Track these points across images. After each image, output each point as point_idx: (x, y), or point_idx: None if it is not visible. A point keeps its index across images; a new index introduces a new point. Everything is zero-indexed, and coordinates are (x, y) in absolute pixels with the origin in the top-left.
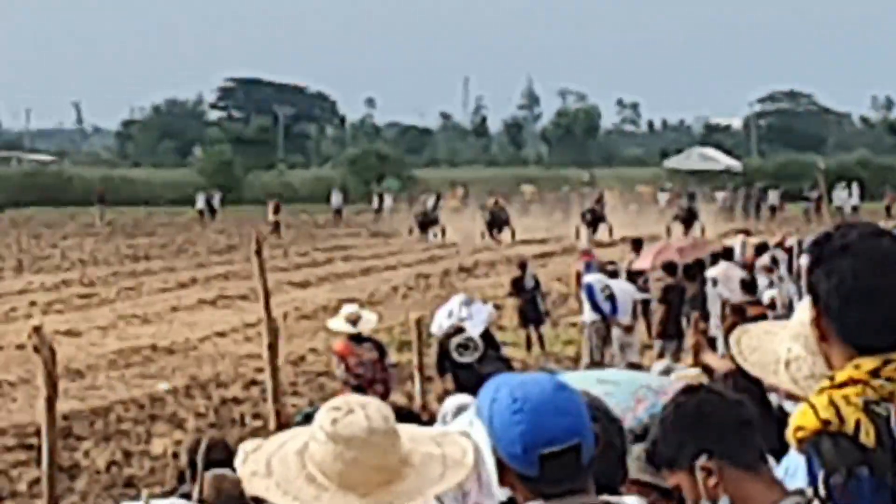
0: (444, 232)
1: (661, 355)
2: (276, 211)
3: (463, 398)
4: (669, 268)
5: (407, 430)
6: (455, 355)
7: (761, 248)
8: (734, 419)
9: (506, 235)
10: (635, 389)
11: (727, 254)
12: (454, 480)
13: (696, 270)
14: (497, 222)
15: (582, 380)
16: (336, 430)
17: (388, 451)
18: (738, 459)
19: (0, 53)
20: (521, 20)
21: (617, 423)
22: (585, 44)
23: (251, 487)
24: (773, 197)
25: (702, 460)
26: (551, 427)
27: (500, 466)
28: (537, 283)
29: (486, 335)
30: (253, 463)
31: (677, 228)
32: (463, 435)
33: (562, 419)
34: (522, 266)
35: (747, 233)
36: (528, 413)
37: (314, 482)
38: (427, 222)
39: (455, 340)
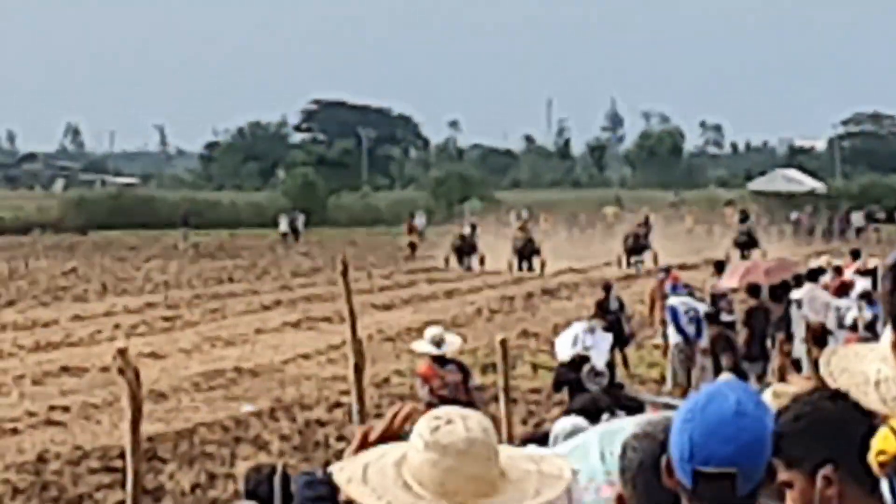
0: (482, 260)
1: (745, 377)
2: (411, 231)
3: (576, 420)
4: (753, 290)
5: (504, 447)
6: (587, 383)
7: (839, 271)
8: (865, 435)
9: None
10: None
11: (812, 275)
12: (550, 496)
13: (781, 292)
14: (527, 251)
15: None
16: (435, 439)
17: (486, 463)
18: (861, 477)
19: (85, 77)
20: (604, 42)
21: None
22: (669, 65)
23: (347, 491)
24: (857, 219)
25: (827, 469)
26: (711, 448)
27: (668, 466)
28: (622, 305)
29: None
30: (349, 470)
31: (736, 254)
32: (560, 456)
33: (724, 446)
34: (607, 288)
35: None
36: (696, 426)
37: (410, 490)
38: (464, 250)
39: (587, 368)
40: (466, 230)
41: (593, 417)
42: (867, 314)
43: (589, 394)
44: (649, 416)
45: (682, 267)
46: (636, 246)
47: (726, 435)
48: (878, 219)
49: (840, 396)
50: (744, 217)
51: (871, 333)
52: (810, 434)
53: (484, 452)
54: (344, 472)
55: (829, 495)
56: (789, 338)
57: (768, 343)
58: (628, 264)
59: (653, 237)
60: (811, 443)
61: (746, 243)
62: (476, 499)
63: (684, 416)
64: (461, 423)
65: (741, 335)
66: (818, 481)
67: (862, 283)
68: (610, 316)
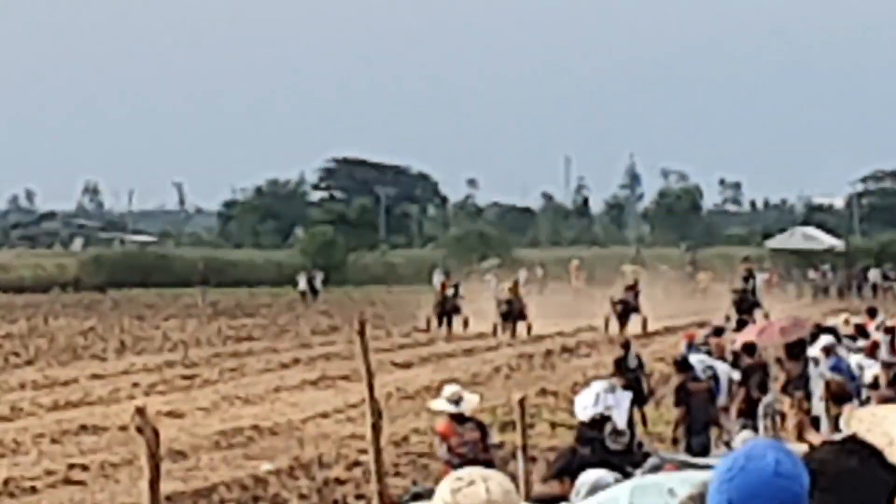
0: (466, 323)
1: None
2: (444, 288)
3: (599, 474)
4: (748, 348)
5: None
6: (609, 442)
7: (861, 329)
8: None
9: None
10: None
11: (830, 333)
12: None
13: (798, 350)
14: (513, 313)
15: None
16: (456, 501)
17: None
18: None
19: (103, 135)
20: (621, 100)
21: None
22: (687, 123)
23: None
24: (874, 276)
25: None
26: None
27: None
28: (640, 363)
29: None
30: None
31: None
32: None
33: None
34: (626, 346)
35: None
36: (735, 486)
37: None
38: (445, 311)
39: (609, 427)
40: (449, 291)
41: (573, 475)
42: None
43: (575, 453)
44: (695, 474)
45: (701, 326)
46: (625, 310)
47: (766, 496)
48: (893, 277)
49: (862, 451)
50: (748, 276)
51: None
52: (832, 488)
53: None
54: None
55: None
56: (808, 396)
57: (786, 401)
58: (619, 327)
59: (643, 301)
60: (829, 497)
61: (748, 304)
62: None
63: (723, 475)
64: (482, 484)
65: (738, 394)
66: None
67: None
68: (629, 374)
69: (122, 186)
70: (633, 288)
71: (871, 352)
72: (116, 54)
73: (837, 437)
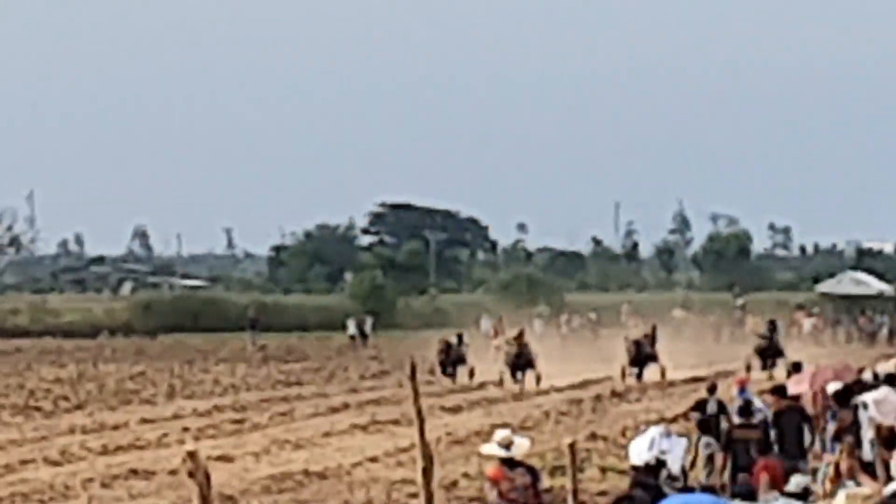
0: (472, 373)
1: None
2: (496, 335)
3: None
4: (778, 390)
5: None
6: (665, 488)
7: None
8: None
9: (530, 378)
10: None
11: (889, 379)
12: None
13: (848, 396)
14: (519, 364)
15: None
16: None
17: None
18: None
19: (152, 179)
20: (671, 144)
21: None
22: (736, 167)
23: None
24: None
25: None
26: None
27: None
28: (722, 408)
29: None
30: None
31: (757, 363)
32: None
33: None
34: (711, 389)
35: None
36: None
37: None
38: (449, 361)
39: (664, 473)
40: (453, 339)
41: None
42: None
43: (636, 498)
44: None
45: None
46: (638, 357)
47: None
48: None
49: None
50: (772, 326)
51: None
52: None
53: None
54: None
55: None
56: (858, 442)
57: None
58: (633, 375)
59: (659, 348)
60: None
61: (770, 352)
62: None
63: None
64: None
65: (772, 435)
66: None
67: None
68: (706, 417)
69: (171, 231)
70: (651, 335)
71: None
72: (166, 99)
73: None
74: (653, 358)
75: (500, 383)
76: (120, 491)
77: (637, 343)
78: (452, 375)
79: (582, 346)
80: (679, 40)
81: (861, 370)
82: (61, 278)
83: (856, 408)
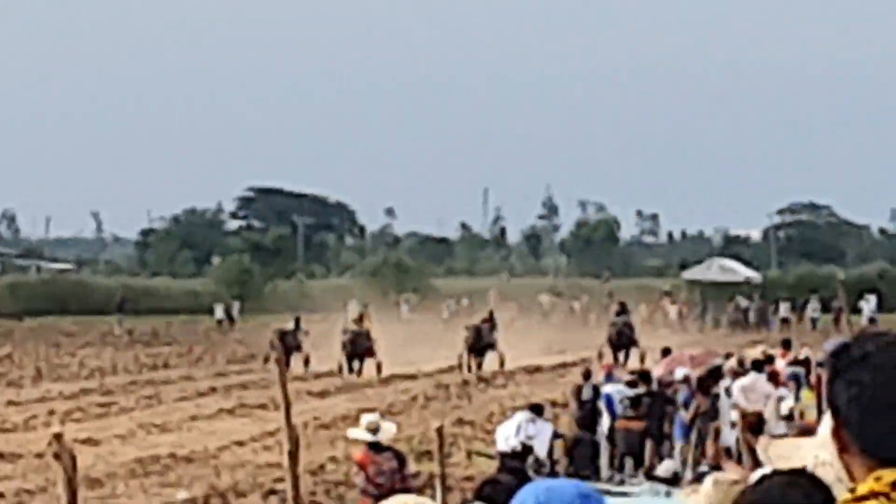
0: (307, 361)
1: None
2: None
3: None
4: (644, 376)
5: None
6: (531, 473)
7: (770, 361)
8: None
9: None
10: None
11: (757, 365)
12: None
13: (709, 383)
14: (358, 351)
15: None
16: None
17: None
18: None
19: (20, 162)
20: (540, 131)
21: None
22: (605, 155)
23: None
24: (784, 309)
25: None
26: None
27: None
28: (598, 393)
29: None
30: None
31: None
32: None
33: None
34: (586, 375)
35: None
36: None
37: None
38: (285, 350)
39: (531, 458)
40: (289, 325)
41: None
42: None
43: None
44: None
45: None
46: (477, 344)
47: None
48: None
49: (801, 481)
50: (621, 310)
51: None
52: None
53: None
54: None
55: None
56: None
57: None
58: (469, 367)
59: (498, 336)
60: None
61: (622, 341)
62: None
63: None
64: None
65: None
66: None
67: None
68: (586, 404)
69: (40, 214)
70: (489, 320)
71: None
72: (30, 82)
73: (766, 469)
74: (492, 346)
75: (339, 372)
76: None
77: (477, 329)
78: (286, 364)
79: (453, 333)
80: (550, 31)
81: (728, 356)
82: None
83: (715, 395)
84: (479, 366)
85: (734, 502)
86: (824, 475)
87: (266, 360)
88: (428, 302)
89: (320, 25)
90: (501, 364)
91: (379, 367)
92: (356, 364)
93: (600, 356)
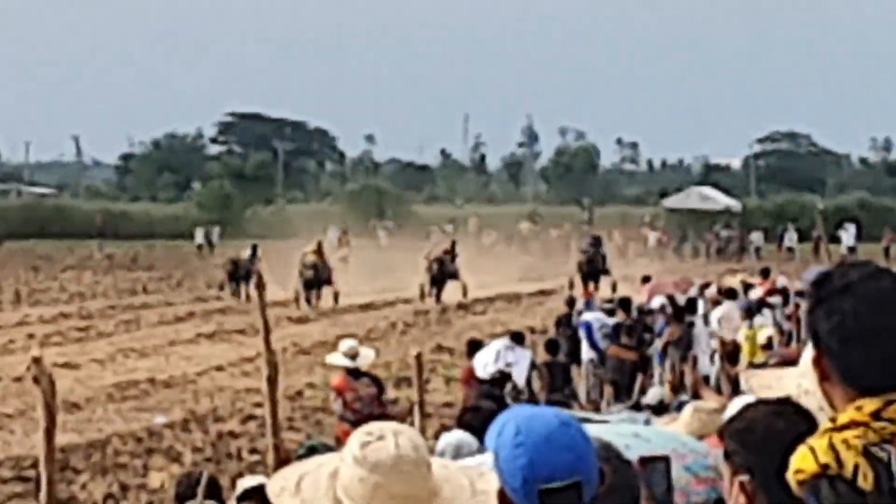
0: (261, 287)
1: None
2: (340, 245)
3: (461, 436)
4: (623, 304)
5: (439, 462)
6: (509, 400)
7: (748, 288)
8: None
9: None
10: (673, 447)
11: (730, 293)
12: None
13: (683, 312)
14: (316, 281)
15: (618, 434)
16: (364, 455)
17: (415, 481)
18: (778, 495)
19: (1, 88)
20: (521, 58)
21: (630, 464)
22: (585, 83)
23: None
24: (757, 238)
25: (744, 477)
26: (552, 462)
27: (503, 498)
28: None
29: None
30: (283, 479)
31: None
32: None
33: (563, 455)
34: (570, 303)
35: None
36: (529, 447)
37: None
38: (239, 277)
39: (509, 385)
40: (245, 253)
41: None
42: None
43: (482, 409)
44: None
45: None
46: (439, 275)
47: (562, 445)
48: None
49: (786, 410)
50: (594, 242)
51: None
52: (739, 440)
53: (412, 470)
54: (277, 483)
55: (741, 502)
56: (690, 357)
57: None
58: (431, 295)
59: (460, 265)
60: (738, 448)
61: (593, 271)
62: None
63: (512, 441)
64: (392, 439)
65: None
66: (734, 485)
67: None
68: (569, 331)
69: (19, 138)
70: (451, 251)
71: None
72: (9, 6)
73: (748, 398)
74: (454, 275)
75: (296, 301)
76: None
77: (439, 261)
78: (239, 294)
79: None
80: None
81: (706, 285)
82: None
83: (690, 324)
84: (439, 297)
85: (719, 431)
86: (808, 404)
87: (221, 287)
88: (407, 229)
89: None
90: (464, 294)
91: (336, 297)
92: (313, 294)
93: (571, 285)
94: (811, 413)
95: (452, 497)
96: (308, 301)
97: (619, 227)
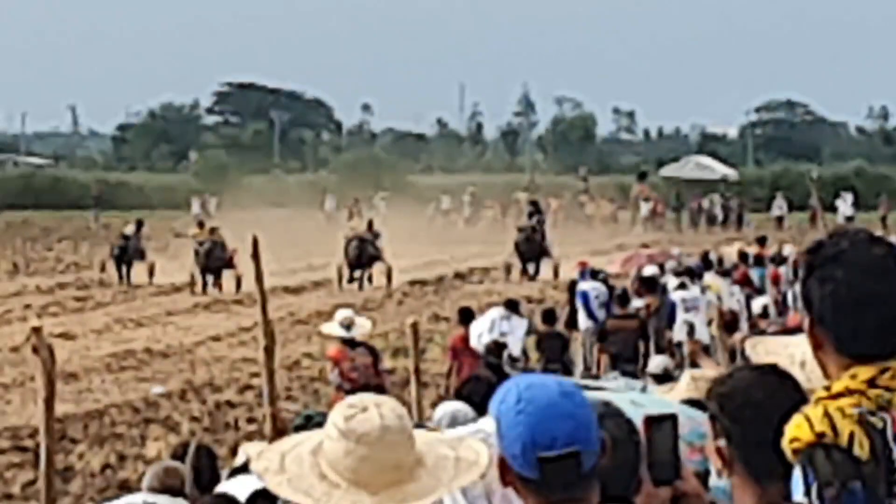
0: (151, 270)
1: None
2: (351, 217)
3: (457, 405)
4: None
5: (421, 433)
6: (507, 368)
7: (744, 257)
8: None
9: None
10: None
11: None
12: (466, 481)
13: (653, 282)
14: (212, 264)
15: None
16: (349, 427)
17: (401, 451)
18: (756, 463)
19: None
20: (517, 27)
21: (635, 433)
22: (581, 51)
23: (264, 483)
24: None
25: (721, 442)
26: (551, 431)
27: (503, 466)
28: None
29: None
30: (266, 460)
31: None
32: (479, 439)
33: (563, 424)
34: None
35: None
36: (530, 415)
37: (326, 479)
38: (126, 255)
39: (506, 354)
40: (129, 228)
41: (480, 404)
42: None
43: (481, 379)
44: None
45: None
46: (360, 257)
47: (562, 413)
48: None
49: (769, 380)
50: (533, 211)
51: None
52: (719, 404)
53: (398, 440)
54: (261, 462)
55: (717, 466)
56: (669, 325)
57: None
58: (350, 279)
59: (382, 245)
60: (718, 412)
61: (534, 248)
62: (391, 487)
63: (514, 409)
64: (375, 410)
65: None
66: (713, 451)
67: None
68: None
69: (15, 108)
70: (369, 230)
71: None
72: None
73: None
74: (377, 257)
75: (192, 285)
76: None
77: (360, 240)
78: (125, 275)
79: (441, 229)
80: None
81: (705, 254)
82: None
83: (663, 290)
84: (361, 283)
85: (706, 394)
86: (812, 370)
87: (103, 268)
88: (404, 198)
89: None
90: (388, 278)
91: (238, 282)
92: (210, 278)
93: (508, 269)
94: (798, 382)
95: (436, 466)
96: (205, 287)
97: (618, 197)
